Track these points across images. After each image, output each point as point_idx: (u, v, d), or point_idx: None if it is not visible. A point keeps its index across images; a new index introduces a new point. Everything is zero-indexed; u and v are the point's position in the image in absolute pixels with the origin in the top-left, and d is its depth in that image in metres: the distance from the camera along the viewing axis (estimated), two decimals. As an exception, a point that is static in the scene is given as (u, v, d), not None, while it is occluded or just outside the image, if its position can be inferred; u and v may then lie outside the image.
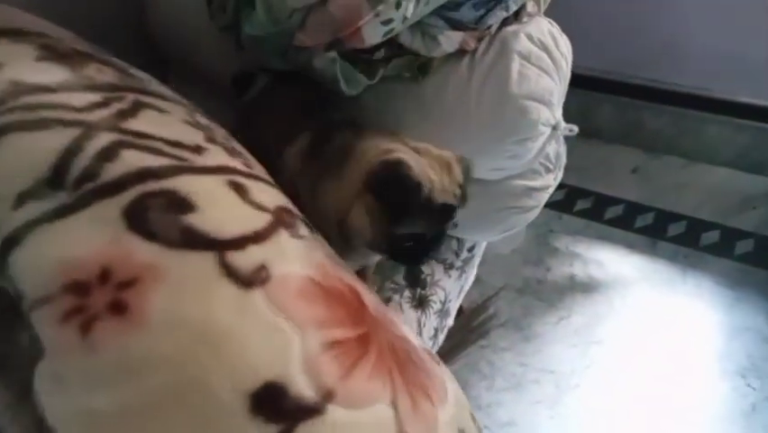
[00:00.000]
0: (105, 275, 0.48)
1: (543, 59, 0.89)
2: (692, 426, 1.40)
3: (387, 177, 0.70)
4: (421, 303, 0.99)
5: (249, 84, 1.00)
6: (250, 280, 0.53)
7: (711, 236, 1.90)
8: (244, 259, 0.54)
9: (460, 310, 1.60)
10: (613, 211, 2.02)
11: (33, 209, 0.50)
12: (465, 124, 0.89)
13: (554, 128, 0.95)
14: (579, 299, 1.71)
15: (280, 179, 0.76)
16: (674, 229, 1.93)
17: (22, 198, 0.50)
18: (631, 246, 1.88)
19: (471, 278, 1.25)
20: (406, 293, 0.99)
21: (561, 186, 2.09)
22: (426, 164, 0.72)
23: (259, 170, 0.74)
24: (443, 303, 1.04)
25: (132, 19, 1.10)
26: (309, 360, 0.50)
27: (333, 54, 0.84)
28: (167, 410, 0.44)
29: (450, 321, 1.12)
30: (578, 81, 2.27)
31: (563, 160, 1.07)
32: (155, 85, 0.79)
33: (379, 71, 0.87)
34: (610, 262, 1.83)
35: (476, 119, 0.88)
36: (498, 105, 0.87)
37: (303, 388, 0.48)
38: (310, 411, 0.47)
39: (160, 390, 0.45)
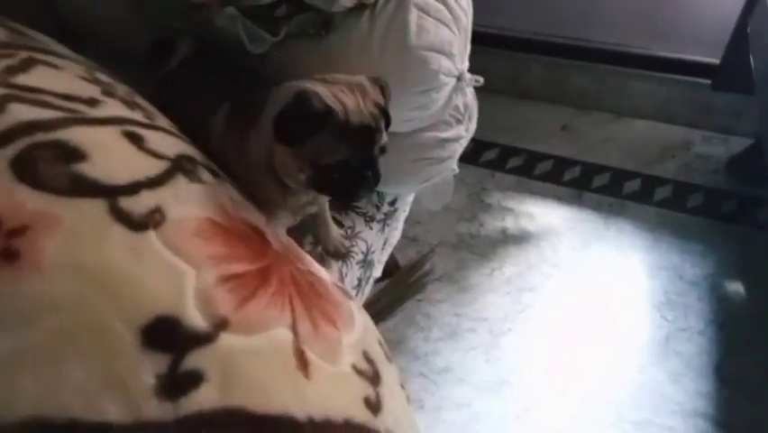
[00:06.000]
0: (-7, 225, 0.50)
1: (441, 11, 0.92)
2: (616, 356, 1.50)
3: (290, 109, 0.72)
4: (342, 254, 1.03)
5: (167, 53, 0.99)
6: (143, 224, 0.55)
7: (633, 185, 2.01)
8: (137, 203, 0.57)
9: (396, 268, 1.66)
10: (542, 167, 2.11)
11: None
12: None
13: (459, 79, 0.99)
14: (511, 251, 1.79)
15: (211, 146, 0.81)
16: (599, 180, 2.04)
17: None
18: (559, 199, 1.97)
19: (397, 232, 1.29)
20: (328, 245, 1.03)
21: (494, 145, 2.20)
22: (337, 90, 0.74)
23: (163, 122, 0.76)
24: (366, 254, 1.08)
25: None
26: (203, 293, 0.53)
27: (233, 11, 0.85)
28: (61, 353, 0.46)
29: (375, 272, 1.17)
30: (507, 43, 2.39)
31: (474, 110, 1.12)
32: (54, 45, 0.79)
33: (282, 28, 0.89)
34: (540, 214, 1.91)
35: (378, 71, 0.91)
36: (399, 56, 0.90)
37: (195, 319, 0.51)
38: (200, 340, 0.50)
39: (53, 333, 0.47)
